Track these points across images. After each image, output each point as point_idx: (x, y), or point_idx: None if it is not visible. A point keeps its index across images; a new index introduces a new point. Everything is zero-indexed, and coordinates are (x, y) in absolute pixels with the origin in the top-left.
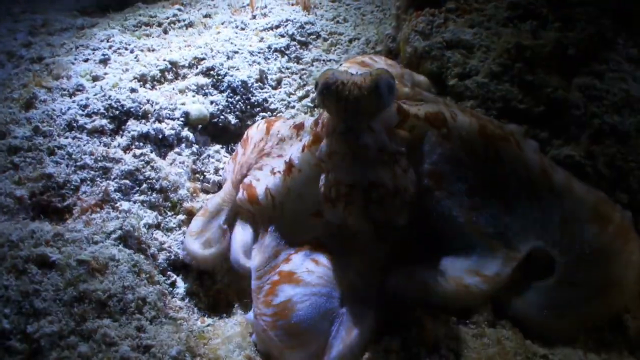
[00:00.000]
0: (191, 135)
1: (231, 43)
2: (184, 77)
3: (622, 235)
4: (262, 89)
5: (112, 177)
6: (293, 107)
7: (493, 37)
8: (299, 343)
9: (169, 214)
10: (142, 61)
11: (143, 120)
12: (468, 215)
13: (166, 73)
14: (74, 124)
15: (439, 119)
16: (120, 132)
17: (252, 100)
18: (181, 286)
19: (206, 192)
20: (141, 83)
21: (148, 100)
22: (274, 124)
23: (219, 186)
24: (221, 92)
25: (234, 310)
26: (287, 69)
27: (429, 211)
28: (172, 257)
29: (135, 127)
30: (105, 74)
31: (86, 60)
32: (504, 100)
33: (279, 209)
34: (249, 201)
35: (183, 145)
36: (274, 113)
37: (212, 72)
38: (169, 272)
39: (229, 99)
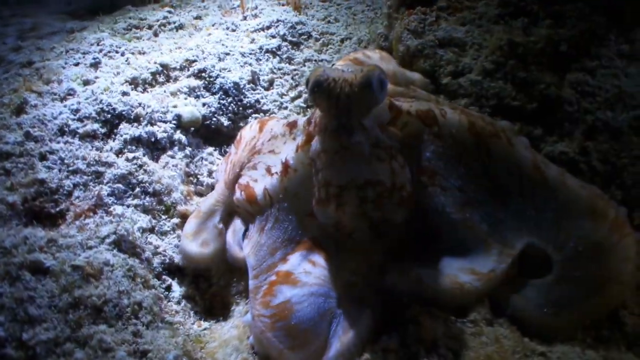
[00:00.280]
0: (184, 138)
1: (222, 44)
2: (176, 79)
3: (618, 230)
4: (254, 90)
5: (105, 181)
6: (286, 108)
7: (485, 34)
8: (298, 343)
9: (163, 217)
10: (133, 64)
11: (135, 124)
12: (461, 212)
13: (157, 76)
14: (66, 129)
15: (430, 117)
16: (113, 136)
17: (245, 102)
18: (177, 290)
19: (200, 195)
20: (133, 86)
21: (140, 104)
22: (267, 123)
23: (212, 188)
24: (213, 94)
25: (230, 313)
26: (279, 69)
27: (423, 208)
28: (167, 260)
29: (127, 130)
30: (97, 77)
31: (77, 64)
32: (497, 97)
33: (277, 208)
34: (247, 201)
35: (176, 148)
36: (267, 114)
37: (203, 74)
38: (164, 276)
39: (221, 101)
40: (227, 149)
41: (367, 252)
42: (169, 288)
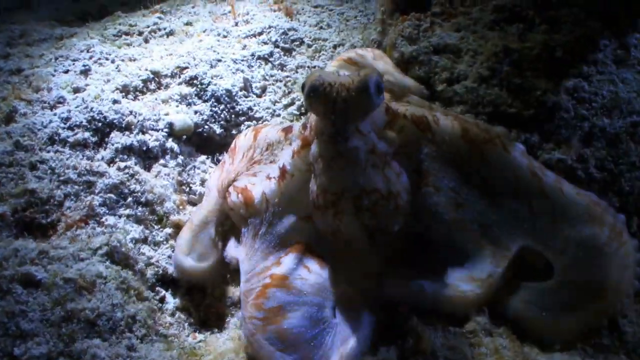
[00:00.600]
0: (176, 147)
1: (214, 51)
2: (167, 86)
3: (616, 237)
4: (246, 97)
5: (97, 191)
6: (279, 115)
7: (480, 40)
8: (290, 346)
9: (156, 227)
10: (123, 71)
11: (126, 132)
12: (454, 212)
13: (148, 83)
14: (56, 138)
15: (424, 123)
16: (104, 145)
17: (237, 109)
18: (170, 301)
19: (193, 204)
20: (123, 94)
21: (131, 112)
22: (261, 130)
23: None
24: (205, 101)
25: (225, 324)
26: (272, 76)
27: (417, 210)
28: (160, 271)
29: (118, 139)
30: (87, 85)
31: (66, 72)
32: (493, 104)
33: (271, 212)
34: (244, 203)
35: (168, 156)
36: (260, 122)
37: (195, 81)
38: (157, 288)
39: (213, 109)
40: (220, 157)
41: (364, 261)
42: (162, 300)
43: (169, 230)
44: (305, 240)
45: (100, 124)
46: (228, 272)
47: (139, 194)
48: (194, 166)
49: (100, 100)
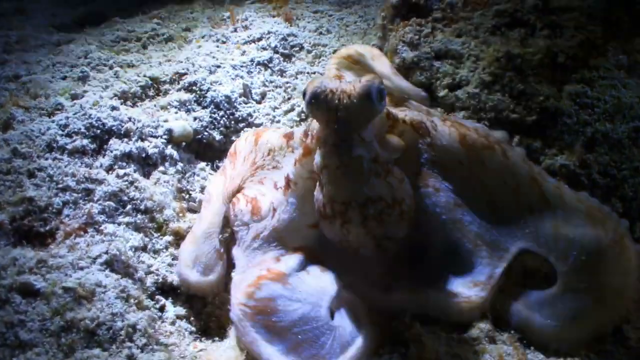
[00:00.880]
0: (175, 153)
1: (213, 57)
2: (166, 93)
3: (619, 243)
4: (246, 103)
5: (96, 199)
6: (278, 121)
7: (482, 46)
8: (276, 335)
9: (155, 235)
10: (122, 77)
11: (125, 139)
12: (452, 212)
13: (147, 89)
14: (54, 145)
15: (423, 128)
16: (102, 152)
17: (237, 116)
18: (171, 310)
19: (192, 211)
20: (122, 100)
21: (130, 118)
22: (262, 135)
23: None
24: (204, 107)
25: (227, 333)
26: (271, 82)
27: (417, 211)
28: (160, 280)
29: (117, 146)
30: (85, 91)
31: (64, 78)
32: (495, 110)
33: (276, 219)
34: (251, 212)
35: (167, 163)
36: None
37: (194, 88)
38: (157, 296)
39: (213, 115)
40: (220, 164)
41: (371, 269)
42: (162, 308)
43: (168, 238)
44: (309, 246)
45: (98, 131)
46: (230, 280)
47: (138, 201)
48: (194, 173)
49: (99, 107)
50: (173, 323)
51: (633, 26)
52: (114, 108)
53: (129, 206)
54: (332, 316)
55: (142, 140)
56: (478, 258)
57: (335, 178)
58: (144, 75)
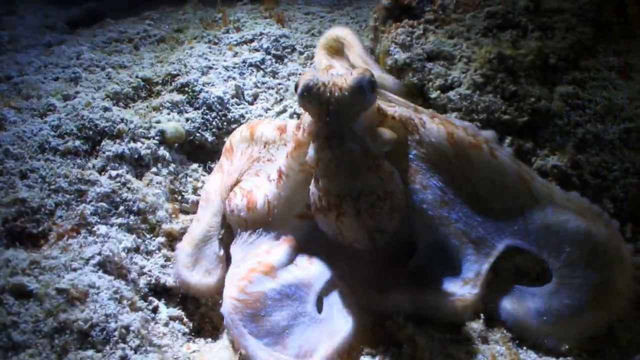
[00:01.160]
0: (167, 154)
1: (205, 58)
2: (158, 94)
3: (610, 242)
4: (238, 104)
5: (88, 200)
6: None
7: (473, 47)
8: (262, 330)
9: (148, 236)
10: (114, 78)
11: (118, 140)
12: (439, 209)
13: (139, 90)
14: (46, 146)
15: (411, 124)
16: (95, 153)
17: (229, 117)
18: (164, 311)
19: (185, 212)
20: (114, 101)
21: (122, 119)
22: (256, 127)
23: (197, 205)
24: (197, 109)
25: (220, 334)
26: (264, 83)
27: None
28: (153, 281)
29: (110, 147)
30: (77, 92)
31: (56, 79)
32: (487, 111)
33: (271, 214)
34: (247, 207)
35: (160, 164)
36: None
37: (186, 89)
38: (150, 297)
39: (205, 116)
40: (212, 165)
41: (363, 266)
42: (155, 309)
43: (161, 239)
44: (298, 237)
45: (91, 132)
46: None
47: (131, 202)
48: (186, 174)
49: (91, 108)
50: (166, 324)
51: (623, 28)
52: (106, 109)
53: (121, 207)
54: (320, 304)
55: (135, 141)
56: (465, 255)
57: (329, 171)
58: (136, 77)
